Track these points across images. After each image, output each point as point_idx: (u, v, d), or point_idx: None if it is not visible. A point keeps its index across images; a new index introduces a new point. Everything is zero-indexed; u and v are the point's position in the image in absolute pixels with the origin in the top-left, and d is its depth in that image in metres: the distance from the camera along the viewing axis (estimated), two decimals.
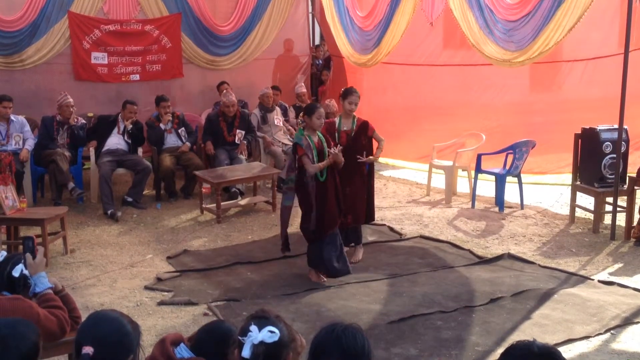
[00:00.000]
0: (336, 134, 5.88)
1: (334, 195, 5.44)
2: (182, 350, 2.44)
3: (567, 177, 7.69)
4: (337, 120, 6.00)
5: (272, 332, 2.12)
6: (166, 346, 2.41)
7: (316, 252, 5.47)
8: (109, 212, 7.32)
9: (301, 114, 7.09)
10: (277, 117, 9.03)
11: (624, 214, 6.55)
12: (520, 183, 7.67)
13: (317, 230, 5.38)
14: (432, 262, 5.98)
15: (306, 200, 5.40)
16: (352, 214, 5.94)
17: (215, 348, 2.42)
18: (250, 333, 2.11)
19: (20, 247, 5.87)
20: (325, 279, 5.51)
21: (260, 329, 2.12)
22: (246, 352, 2.09)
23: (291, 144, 6.61)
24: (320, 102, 10.48)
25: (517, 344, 2.02)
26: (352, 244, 6.10)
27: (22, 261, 3.10)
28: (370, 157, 5.99)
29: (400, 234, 6.80)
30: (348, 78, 10.32)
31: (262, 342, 2.10)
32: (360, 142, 5.96)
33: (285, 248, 5.76)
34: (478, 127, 8.52)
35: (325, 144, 5.45)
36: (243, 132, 8.43)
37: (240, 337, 2.13)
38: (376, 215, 6.60)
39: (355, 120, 5.99)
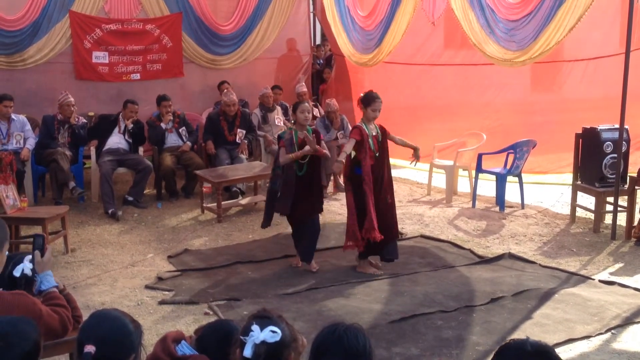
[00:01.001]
0: (369, 140, 5.58)
1: (308, 190, 5.71)
2: (184, 347, 2.44)
3: (568, 177, 7.69)
4: (363, 125, 5.65)
5: (274, 331, 2.11)
6: (167, 343, 2.42)
7: (314, 241, 5.79)
8: (110, 211, 7.32)
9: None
10: (277, 117, 9.03)
11: (625, 213, 6.55)
12: (521, 183, 7.67)
13: (284, 214, 5.82)
14: (432, 261, 5.98)
15: (286, 187, 5.71)
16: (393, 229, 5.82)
17: (217, 346, 2.42)
18: (252, 333, 2.11)
19: (21, 246, 5.93)
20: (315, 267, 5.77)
21: (262, 328, 2.11)
22: (248, 351, 2.09)
23: None
24: (321, 101, 10.50)
25: (510, 343, 2.00)
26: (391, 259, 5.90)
27: (30, 259, 3.11)
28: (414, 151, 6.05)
29: (401, 234, 6.78)
30: (350, 77, 10.33)
31: (263, 342, 2.09)
32: (385, 146, 5.79)
33: (266, 223, 5.94)
34: (479, 126, 8.51)
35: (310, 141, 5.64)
36: (244, 132, 8.43)
37: (242, 337, 2.13)
38: None
39: (377, 125, 5.76)
